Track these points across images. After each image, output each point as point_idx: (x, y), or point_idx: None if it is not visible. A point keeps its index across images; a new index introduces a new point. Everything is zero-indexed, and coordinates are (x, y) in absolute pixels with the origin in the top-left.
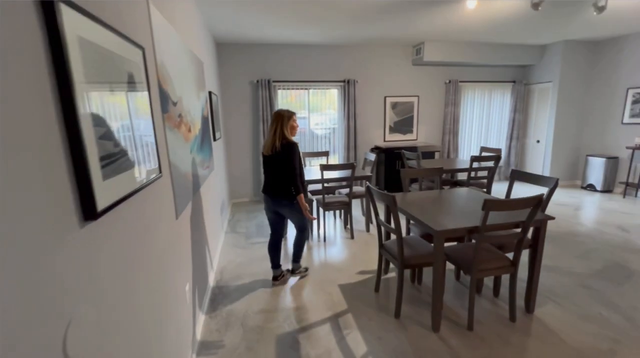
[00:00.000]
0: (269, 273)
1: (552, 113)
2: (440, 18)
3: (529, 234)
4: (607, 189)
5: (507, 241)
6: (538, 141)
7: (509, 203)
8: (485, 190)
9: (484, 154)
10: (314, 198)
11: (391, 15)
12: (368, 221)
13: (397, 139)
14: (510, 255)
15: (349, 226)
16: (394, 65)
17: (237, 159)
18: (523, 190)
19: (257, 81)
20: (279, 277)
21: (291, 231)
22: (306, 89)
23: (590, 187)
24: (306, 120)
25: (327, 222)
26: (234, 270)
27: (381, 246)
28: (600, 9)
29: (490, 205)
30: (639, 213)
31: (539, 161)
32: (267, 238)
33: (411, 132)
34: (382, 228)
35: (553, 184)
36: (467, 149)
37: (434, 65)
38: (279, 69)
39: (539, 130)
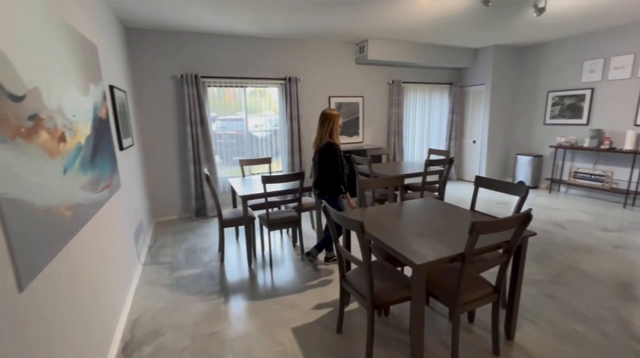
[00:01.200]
0: (201, 320)
1: (486, 114)
2: (383, 15)
3: None
4: (534, 185)
5: (493, 265)
6: (474, 141)
7: (500, 224)
8: (437, 194)
9: (433, 156)
10: (256, 214)
11: (332, 9)
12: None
13: (343, 142)
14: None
15: (298, 244)
16: (338, 63)
17: (159, 169)
18: (482, 196)
19: (182, 76)
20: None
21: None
22: (242, 86)
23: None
24: (243, 122)
25: (272, 239)
26: (150, 322)
27: (342, 278)
28: (540, 11)
29: (480, 227)
30: (568, 209)
31: (476, 161)
32: (198, 268)
33: (357, 134)
34: (342, 255)
35: (523, 193)
36: (411, 151)
37: (377, 64)
38: (209, 63)
39: (474, 131)
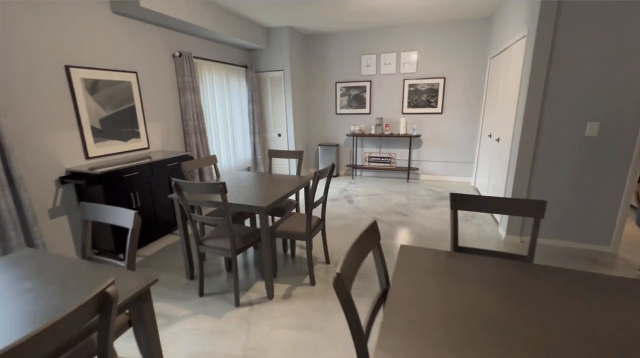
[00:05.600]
0: None
1: (289, 104)
2: None
3: None
4: (336, 174)
5: None
6: (279, 135)
7: None
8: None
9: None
10: None
11: None
12: None
13: (112, 152)
14: None
15: None
16: (79, 8)
17: None
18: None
19: None
20: None
21: None
22: None
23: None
24: None
25: None
26: None
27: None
28: None
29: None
30: (384, 192)
31: (284, 159)
32: None
33: (137, 136)
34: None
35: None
36: (220, 153)
37: (154, 24)
38: None
39: (278, 122)
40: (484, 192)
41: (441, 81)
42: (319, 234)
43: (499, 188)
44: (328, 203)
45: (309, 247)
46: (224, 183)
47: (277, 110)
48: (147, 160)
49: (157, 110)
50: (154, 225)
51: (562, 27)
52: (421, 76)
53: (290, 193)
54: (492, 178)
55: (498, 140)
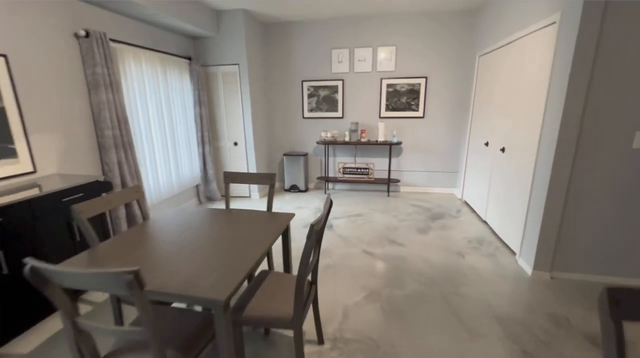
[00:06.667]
0: None
1: (247, 106)
2: None
3: None
4: (306, 188)
5: None
6: (235, 143)
7: None
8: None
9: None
10: None
11: None
12: None
13: None
14: None
15: None
16: None
17: None
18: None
19: None
20: None
21: None
22: None
23: (294, 189)
24: None
25: None
26: None
27: None
28: None
29: None
30: (367, 211)
31: (242, 168)
32: None
33: (11, 154)
34: None
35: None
36: (157, 171)
37: None
38: None
39: (233, 129)
40: (478, 207)
41: (423, 81)
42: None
43: (509, 205)
44: (300, 234)
45: (299, 339)
46: (135, 272)
47: (232, 113)
48: (28, 195)
49: (51, 116)
50: (37, 302)
51: (611, 11)
52: (400, 75)
53: (262, 257)
54: (493, 191)
55: (503, 150)
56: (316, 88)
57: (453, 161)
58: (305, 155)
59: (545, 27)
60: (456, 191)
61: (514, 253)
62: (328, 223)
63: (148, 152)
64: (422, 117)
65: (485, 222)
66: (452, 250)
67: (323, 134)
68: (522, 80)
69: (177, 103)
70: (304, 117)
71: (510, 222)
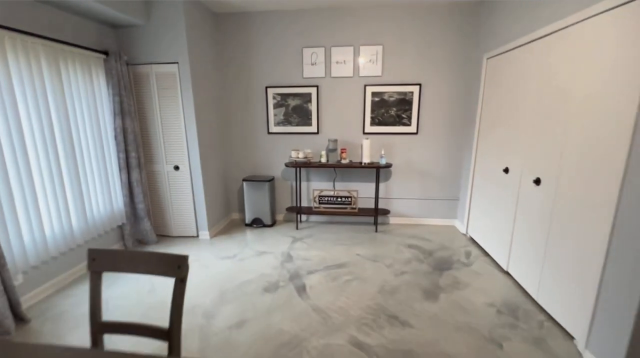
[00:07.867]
0: None
1: (190, 118)
2: None
3: None
4: (272, 222)
5: None
6: (177, 167)
7: None
8: None
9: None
10: None
11: None
12: None
13: None
14: None
15: None
16: None
17: None
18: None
19: None
20: None
21: None
22: None
23: (257, 223)
24: None
25: None
26: None
27: None
28: None
29: None
30: (352, 258)
31: (186, 205)
32: None
33: None
34: None
35: None
36: (40, 216)
37: None
38: None
39: (172, 148)
40: (495, 252)
41: (416, 89)
42: None
43: (557, 263)
44: (260, 304)
45: None
46: None
47: (171, 126)
48: None
49: None
50: None
51: None
52: (389, 81)
53: None
54: (520, 236)
55: (538, 182)
56: (284, 96)
57: (453, 187)
58: (271, 180)
59: (604, 11)
60: (458, 223)
61: (570, 336)
62: (299, 282)
63: (26, 186)
64: (416, 133)
65: (507, 273)
66: (479, 331)
67: (294, 154)
68: (580, 83)
69: (84, 113)
70: (269, 133)
71: (560, 286)
